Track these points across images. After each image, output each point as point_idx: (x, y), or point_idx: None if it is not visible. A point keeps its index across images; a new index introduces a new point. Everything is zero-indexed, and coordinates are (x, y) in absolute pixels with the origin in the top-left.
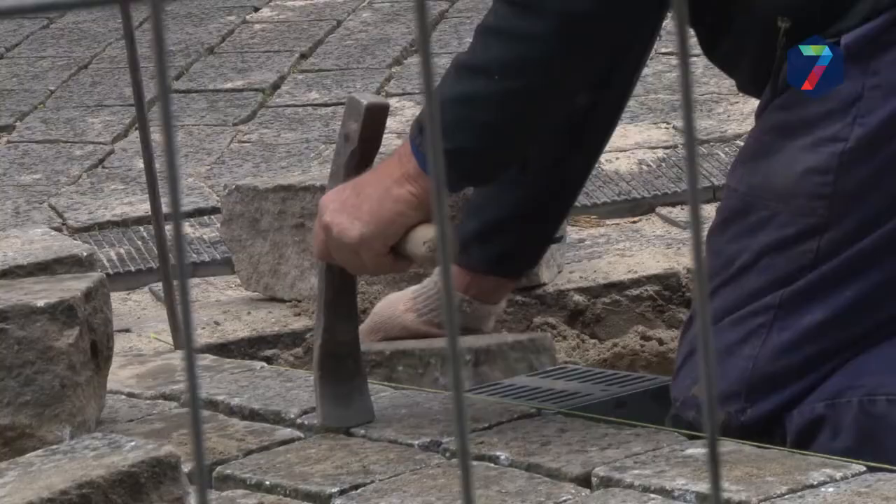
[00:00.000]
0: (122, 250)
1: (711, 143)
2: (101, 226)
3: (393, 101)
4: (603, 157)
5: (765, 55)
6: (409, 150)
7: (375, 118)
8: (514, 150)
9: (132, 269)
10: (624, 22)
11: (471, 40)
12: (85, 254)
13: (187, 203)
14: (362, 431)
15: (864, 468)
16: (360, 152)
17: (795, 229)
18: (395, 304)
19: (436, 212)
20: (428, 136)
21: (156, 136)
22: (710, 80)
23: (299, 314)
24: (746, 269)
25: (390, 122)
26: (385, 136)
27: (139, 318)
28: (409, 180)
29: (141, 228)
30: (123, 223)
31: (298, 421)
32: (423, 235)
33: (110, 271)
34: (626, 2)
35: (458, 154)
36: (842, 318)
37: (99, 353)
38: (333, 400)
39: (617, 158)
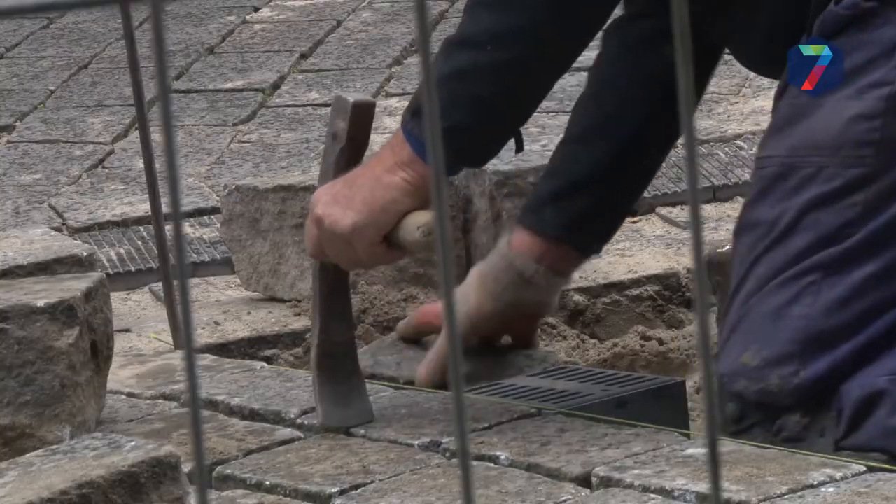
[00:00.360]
0: (122, 250)
1: (711, 143)
2: (101, 226)
3: (393, 101)
4: None
5: (786, 19)
6: (401, 138)
7: (362, 116)
8: (508, 125)
9: (132, 269)
10: None
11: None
12: (85, 254)
13: (187, 203)
14: (362, 431)
15: (864, 468)
16: (349, 150)
17: (842, 181)
18: (468, 297)
19: (435, 203)
20: (427, 130)
21: (156, 136)
22: (711, 79)
23: (299, 314)
24: (791, 230)
25: (390, 122)
26: (386, 135)
27: (139, 318)
28: (402, 167)
29: (141, 228)
30: (123, 223)
31: (298, 421)
32: (417, 221)
33: (110, 271)
34: None
35: (453, 132)
36: (893, 270)
37: (99, 353)
38: (332, 400)
39: None
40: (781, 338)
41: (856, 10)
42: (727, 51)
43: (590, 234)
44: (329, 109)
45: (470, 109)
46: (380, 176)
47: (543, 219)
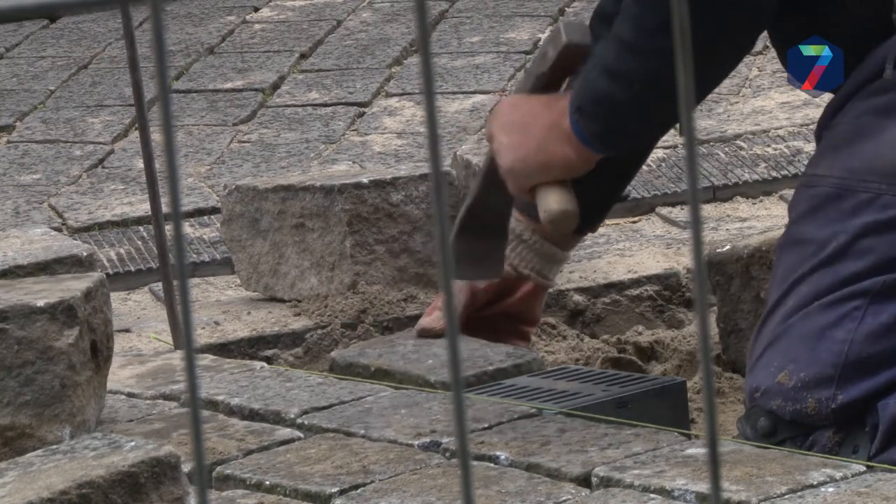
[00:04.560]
0: (122, 250)
1: (711, 143)
2: (101, 226)
3: (393, 101)
4: None
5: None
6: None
7: (571, 56)
8: (656, 135)
9: (132, 269)
10: (752, 31)
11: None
12: (85, 254)
13: (187, 203)
14: (362, 431)
15: (864, 468)
16: (549, 78)
17: None
18: None
19: (435, 202)
20: (430, 139)
21: (156, 136)
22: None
23: (299, 314)
24: (841, 253)
25: (390, 122)
26: (386, 135)
27: (139, 318)
28: (570, 143)
29: (141, 228)
30: (123, 223)
31: (298, 421)
32: (548, 204)
33: (110, 271)
34: (749, 21)
35: (605, 136)
36: None
37: (99, 353)
38: (467, 255)
39: None
40: (820, 361)
41: None
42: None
43: (581, 217)
44: (329, 109)
45: (618, 124)
46: (552, 139)
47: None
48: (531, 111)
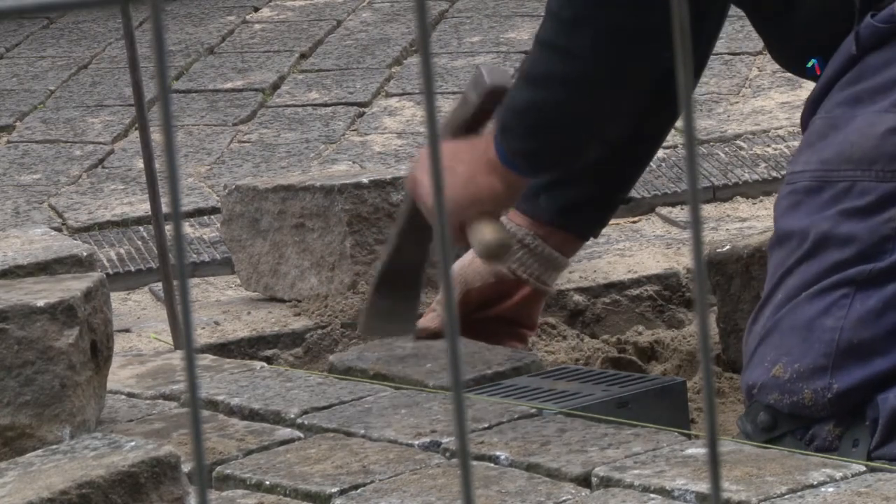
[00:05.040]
0: (122, 250)
1: (711, 143)
2: (101, 226)
3: (393, 101)
4: None
5: (822, 29)
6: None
7: (493, 99)
8: (582, 149)
9: (132, 269)
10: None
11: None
12: (85, 254)
13: (187, 203)
14: (362, 431)
15: (864, 468)
16: (471, 123)
17: (876, 196)
18: (466, 256)
19: (435, 201)
20: (429, 139)
21: (156, 136)
22: (710, 80)
23: (299, 314)
24: (823, 243)
25: (389, 122)
26: (386, 135)
27: (139, 318)
28: (494, 172)
29: (141, 228)
30: (123, 223)
31: (298, 421)
32: (483, 236)
33: (110, 271)
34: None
35: (530, 154)
36: None
37: (99, 353)
38: (378, 313)
39: None
40: (813, 351)
41: (892, 22)
42: (729, 50)
43: (582, 220)
44: (329, 109)
45: (544, 138)
46: (477, 173)
47: (538, 205)
48: (455, 152)
